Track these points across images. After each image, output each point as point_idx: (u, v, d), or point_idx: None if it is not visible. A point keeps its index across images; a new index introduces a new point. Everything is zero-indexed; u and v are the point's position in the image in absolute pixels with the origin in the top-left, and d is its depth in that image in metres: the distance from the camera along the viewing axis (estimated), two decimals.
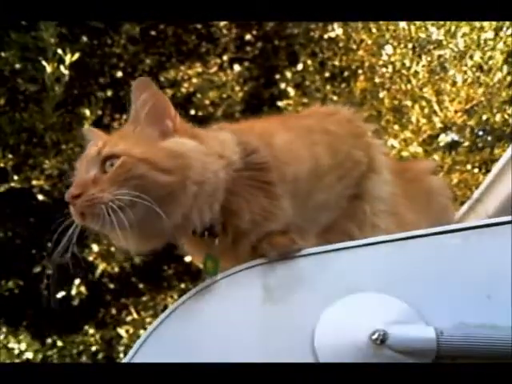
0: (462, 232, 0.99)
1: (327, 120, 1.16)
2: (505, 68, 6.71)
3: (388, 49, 5.41)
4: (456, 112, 6.01)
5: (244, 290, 0.98)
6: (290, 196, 1.04)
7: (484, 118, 7.15)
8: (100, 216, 0.94)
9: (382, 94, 5.55)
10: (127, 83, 7.97)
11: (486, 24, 5.72)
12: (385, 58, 5.44)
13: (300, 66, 5.64)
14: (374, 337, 0.89)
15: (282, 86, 5.75)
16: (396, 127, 5.63)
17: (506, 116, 7.21)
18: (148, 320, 6.98)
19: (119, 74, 7.97)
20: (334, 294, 0.95)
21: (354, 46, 5.57)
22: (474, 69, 5.99)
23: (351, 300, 0.95)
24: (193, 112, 8.18)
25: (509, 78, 7.10)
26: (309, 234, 1.05)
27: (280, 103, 5.55)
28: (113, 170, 0.97)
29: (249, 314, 0.96)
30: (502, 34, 6.19)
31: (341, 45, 5.55)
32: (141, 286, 7.39)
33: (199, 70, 7.97)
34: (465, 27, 5.84)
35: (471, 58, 5.84)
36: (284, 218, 1.03)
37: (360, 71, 5.64)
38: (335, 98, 5.53)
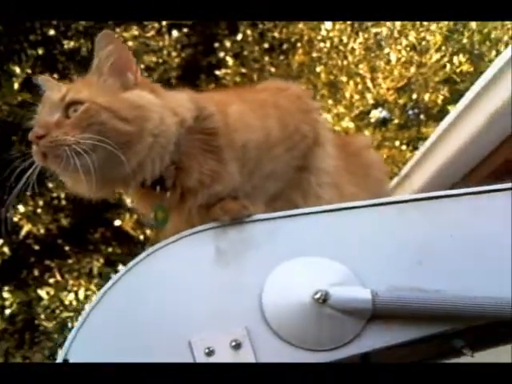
0: (397, 204, 1.09)
1: (279, 95, 1.23)
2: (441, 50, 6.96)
3: (327, 24, 5.50)
4: (388, 90, 6.19)
5: (197, 251, 1.04)
6: (238, 163, 1.11)
7: (414, 96, 7.39)
8: (63, 157, 0.99)
9: (318, 69, 5.64)
10: (59, 42, 7.76)
11: None
12: (324, 33, 5.52)
13: (240, 36, 5.65)
14: (317, 296, 0.97)
15: (221, 54, 5.76)
16: (330, 102, 5.75)
17: (436, 96, 7.47)
18: (71, 282, 6.92)
19: (51, 32, 7.75)
20: (281, 258, 1.03)
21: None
22: (408, 48, 6.18)
23: (296, 263, 1.02)
24: None
25: (445, 60, 7.35)
26: (257, 202, 1.11)
27: (218, 72, 5.57)
28: (77, 115, 1.02)
29: (202, 274, 1.02)
30: None
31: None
32: (66, 248, 7.32)
33: (135, 33, 7.85)
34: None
35: (406, 37, 6.02)
36: (230, 182, 1.10)
37: (299, 44, 5.70)
38: (273, 69, 5.58)
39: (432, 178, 3.30)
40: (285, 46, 5.75)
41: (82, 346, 0.97)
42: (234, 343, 0.98)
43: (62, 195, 6.90)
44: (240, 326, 0.99)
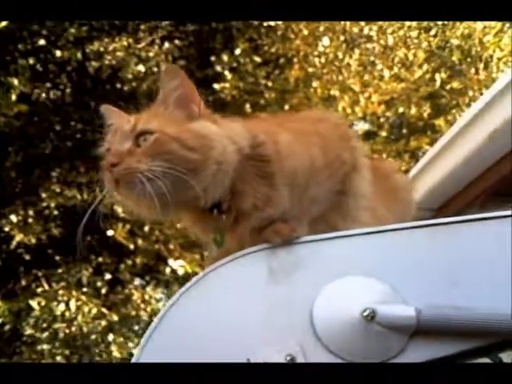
0: (431, 227, 1.17)
1: (320, 124, 1.32)
2: (425, 66, 7.12)
3: (325, 40, 5.62)
4: (379, 104, 6.33)
5: (251, 271, 1.11)
6: (288, 188, 1.18)
7: (401, 110, 7.54)
8: (136, 183, 1.08)
9: (314, 84, 5.76)
10: (50, 52, 7.78)
11: (414, 24, 6.05)
12: (321, 49, 5.64)
13: (238, 51, 5.74)
14: (365, 314, 1.05)
15: (218, 68, 5.85)
16: None
17: (422, 111, 7.64)
18: (61, 292, 6.94)
19: (42, 41, 7.75)
20: (328, 277, 1.10)
21: (292, 36, 5.74)
22: (400, 65, 6.32)
23: (343, 282, 1.10)
24: (118, 86, 8.09)
25: (428, 76, 7.53)
26: (303, 224, 1.19)
27: (216, 85, 5.65)
28: (147, 145, 1.11)
29: (256, 292, 1.09)
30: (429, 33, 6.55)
31: (279, 33, 5.71)
32: (57, 258, 7.34)
33: (125, 43, 7.88)
34: (395, 25, 6.15)
35: (397, 54, 6.17)
36: (281, 206, 1.18)
37: (295, 60, 5.82)
38: (270, 83, 5.69)
39: (430, 191, 3.40)
40: (281, 61, 5.88)
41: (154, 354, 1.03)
42: (288, 357, 1.05)
43: (53, 205, 6.94)
44: (293, 341, 1.06)
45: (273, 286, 1.10)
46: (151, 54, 7.51)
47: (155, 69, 7.48)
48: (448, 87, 7.83)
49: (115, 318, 6.80)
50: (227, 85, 5.57)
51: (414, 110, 7.55)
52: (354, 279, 1.10)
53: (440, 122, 7.14)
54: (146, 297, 8.67)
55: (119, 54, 7.62)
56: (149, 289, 9.23)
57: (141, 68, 7.53)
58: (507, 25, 8.10)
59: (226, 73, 5.65)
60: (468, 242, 1.16)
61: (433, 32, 6.57)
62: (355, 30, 5.98)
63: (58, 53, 7.33)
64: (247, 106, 5.94)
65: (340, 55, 5.78)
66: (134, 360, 1.04)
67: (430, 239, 1.15)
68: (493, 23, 7.81)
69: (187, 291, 1.09)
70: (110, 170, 1.10)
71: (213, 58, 5.84)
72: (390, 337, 1.06)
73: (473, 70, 8.44)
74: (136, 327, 8.59)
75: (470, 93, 8.15)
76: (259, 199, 1.17)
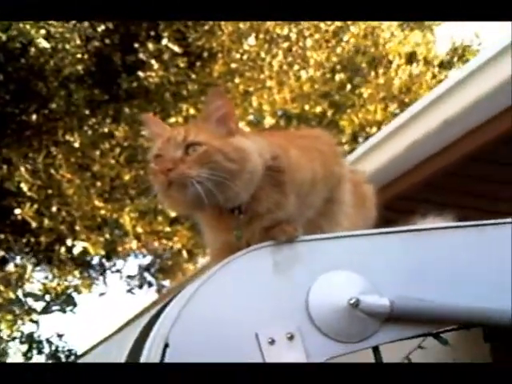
0: (402, 233, 1.44)
1: (317, 142, 1.55)
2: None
3: (251, 40, 5.84)
4: (292, 101, 6.68)
5: (260, 263, 1.33)
6: (294, 195, 1.41)
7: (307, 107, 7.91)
8: (188, 186, 1.29)
9: (237, 80, 5.98)
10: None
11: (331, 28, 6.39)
12: (246, 47, 5.86)
13: (165, 41, 5.82)
14: (351, 302, 1.30)
15: (141, 55, 5.90)
16: (240, 111, 6.13)
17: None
18: None
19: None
20: (321, 270, 1.34)
21: (219, 32, 5.91)
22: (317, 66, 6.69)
23: (334, 275, 1.34)
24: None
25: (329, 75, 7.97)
26: (300, 226, 1.42)
27: (141, 73, 5.72)
28: (197, 154, 1.32)
29: (263, 281, 1.31)
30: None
31: (206, 27, 5.85)
32: None
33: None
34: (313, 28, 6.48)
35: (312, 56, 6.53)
36: (289, 210, 1.41)
37: (219, 55, 6.00)
38: (193, 76, 5.83)
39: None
40: (205, 54, 6.04)
41: (182, 331, 1.22)
42: (288, 335, 1.27)
43: None
44: (292, 322, 1.28)
45: (277, 276, 1.32)
46: (60, 29, 7.37)
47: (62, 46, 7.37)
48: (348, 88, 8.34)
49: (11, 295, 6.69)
50: (153, 74, 5.65)
51: (319, 108, 7.95)
52: (342, 273, 1.34)
53: (343, 122, 7.60)
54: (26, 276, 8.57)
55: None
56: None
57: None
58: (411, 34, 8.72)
59: (153, 62, 5.74)
60: (432, 247, 1.44)
61: (345, 38, 7.02)
62: (278, 31, 6.25)
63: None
64: (167, 95, 6.10)
65: (263, 54, 6.06)
66: (169, 341, 1.21)
67: (402, 243, 1.42)
68: (397, 32, 8.39)
69: (210, 277, 1.29)
70: (166, 173, 1.30)
71: (137, 45, 5.91)
72: (369, 321, 1.32)
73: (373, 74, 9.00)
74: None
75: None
76: (272, 203, 1.39)
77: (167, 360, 1.18)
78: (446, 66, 10.34)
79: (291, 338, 1.27)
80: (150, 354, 1.22)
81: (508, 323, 1.38)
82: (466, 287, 1.40)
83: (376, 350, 1.38)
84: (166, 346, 1.19)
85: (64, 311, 9.15)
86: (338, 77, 7.38)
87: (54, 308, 9.15)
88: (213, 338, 1.24)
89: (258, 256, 1.34)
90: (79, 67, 6.95)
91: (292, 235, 1.35)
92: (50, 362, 8.88)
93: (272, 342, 1.26)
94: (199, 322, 1.25)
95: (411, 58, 8.97)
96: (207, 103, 1.44)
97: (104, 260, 9.46)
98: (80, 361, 2.68)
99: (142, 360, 1.23)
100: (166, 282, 10.28)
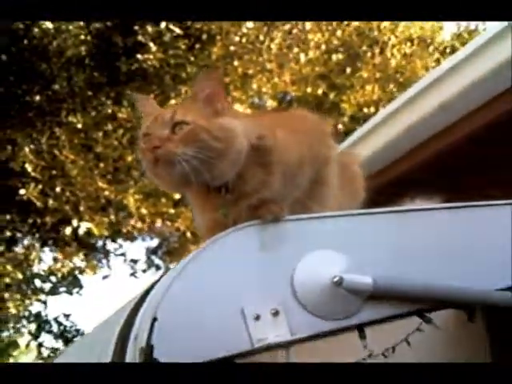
0: (388, 214, 1.48)
1: (305, 123, 1.59)
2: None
3: (249, 24, 5.85)
4: (293, 83, 6.70)
5: (246, 241, 1.37)
6: (280, 175, 1.45)
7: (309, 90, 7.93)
8: (174, 163, 1.34)
9: (236, 63, 5.99)
10: None
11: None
12: (244, 30, 5.87)
13: (163, 24, 5.83)
14: (335, 280, 1.34)
15: (140, 37, 5.91)
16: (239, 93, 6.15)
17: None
18: None
19: None
20: (306, 249, 1.38)
21: None
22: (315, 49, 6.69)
23: (317, 254, 1.38)
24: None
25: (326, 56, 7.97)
26: (286, 205, 1.45)
27: (140, 56, 5.74)
28: (184, 133, 1.36)
29: (249, 259, 1.35)
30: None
31: None
32: None
33: None
34: None
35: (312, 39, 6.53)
36: (275, 189, 1.44)
37: (218, 37, 6.01)
38: (192, 58, 5.84)
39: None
40: (204, 37, 6.04)
41: (170, 306, 1.26)
42: (273, 311, 1.31)
43: None
44: (277, 299, 1.32)
45: (263, 254, 1.36)
46: None
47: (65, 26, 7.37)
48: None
49: (19, 275, 6.78)
50: (151, 56, 5.67)
51: (320, 90, 7.96)
52: (326, 252, 1.38)
53: (344, 104, 7.62)
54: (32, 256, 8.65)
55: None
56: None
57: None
58: None
59: (151, 44, 5.75)
60: (414, 228, 1.48)
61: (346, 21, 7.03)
62: None
63: None
64: (167, 78, 6.13)
65: (261, 37, 6.07)
66: (158, 315, 1.25)
67: (387, 224, 1.46)
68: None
69: (197, 255, 1.33)
70: (153, 151, 1.35)
71: (136, 27, 5.92)
72: (351, 299, 1.36)
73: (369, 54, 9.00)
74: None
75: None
76: (258, 182, 1.43)
77: (155, 333, 1.23)
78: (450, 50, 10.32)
79: (276, 313, 1.31)
80: (139, 328, 1.26)
81: (491, 304, 1.43)
82: (449, 267, 1.45)
83: (360, 328, 1.42)
84: (155, 319, 1.24)
85: (70, 293, 9.29)
86: (336, 57, 7.42)
87: (61, 289, 9.29)
88: (199, 313, 1.28)
89: (245, 234, 1.37)
90: (82, 48, 6.96)
91: (278, 215, 1.39)
92: (57, 345, 9.04)
93: (257, 317, 1.30)
94: (186, 297, 1.29)
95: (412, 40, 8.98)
96: (196, 84, 1.48)
97: (108, 242, 9.55)
98: (80, 339, 2.72)
99: (133, 334, 1.28)
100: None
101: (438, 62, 9.29)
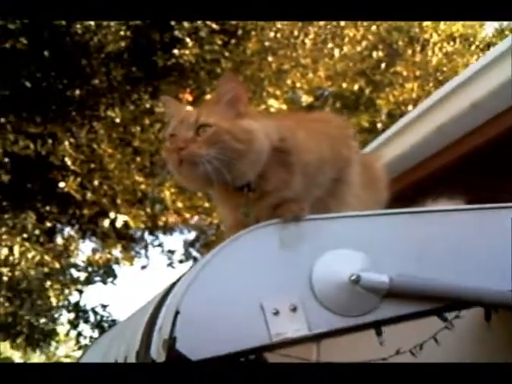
0: (406, 214, 1.52)
1: (328, 125, 1.64)
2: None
3: None
4: (327, 78, 6.72)
5: (267, 239, 1.42)
6: (301, 175, 1.50)
7: (344, 85, 7.92)
8: (198, 164, 1.40)
9: (270, 58, 6.03)
10: None
11: None
12: (279, 25, 5.91)
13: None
14: (352, 278, 1.38)
15: (177, 33, 6.00)
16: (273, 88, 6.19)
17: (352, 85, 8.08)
18: (4, 237, 7.03)
19: None
20: (325, 248, 1.43)
21: None
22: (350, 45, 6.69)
23: (336, 253, 1.43)
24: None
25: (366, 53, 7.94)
26: (307, 205, 1.51)
27: (176, 51, 5.82)
28: (207, 135, 1.43)
29: (270, 256, 1.41)
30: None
31: None
32: (4, 203, 7.39)
33: None
34: None
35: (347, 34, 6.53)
36: (295, 189, 1.50)
37: (253, 33, 6.06)
38: (227, 53, 5.90)
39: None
40: (239, 32, 6.11)
41: (192, 300, 1.32)
42: (292, 307, 1.37)
43: (1, 151, 6.96)
44: (296, 295, 1.38)
45: (283, 252, 1.42)
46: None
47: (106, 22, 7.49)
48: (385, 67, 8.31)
49: (57, 265, 6.96)
50: (187, 51, 5.76)
51: (356, 86, 7.95)
52: (345, 251, 1.43)
53: (381, 101, 7.60)
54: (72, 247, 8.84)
55: None
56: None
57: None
58: None
59: (188, 40, 5.84)
60: (434, 228, 1.52)
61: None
62: None
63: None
64: (202, 73, 6.22)
65: (296, 33, 6.11)
66: (180, 309, 1.31)
67: (405, 224, 1.50)
68: None
69: (219, 251, 1.39)
70: (178, 152, 1.42)
71: (173, 23, 6.02)
72: (368, 297, 1.40)
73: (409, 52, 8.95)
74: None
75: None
76: (279, 182, 1.48)
77: (178, 326, 1.29)
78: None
79: (294, 309, 1.37)
80: (163, 320, 1.33)
81: (507, 304, 1.46)
82: (466, 268, 1.48)
83: (377, 325, 1.47)
84: (177, 313, 1.30)
85: (105, 282, 9.48)
86: (376, 54, 7.42)
87: (96, 279, 9.48)
88: (220, 307, 1.34)
89: (265, 232, 1.43)
90: (122, 44, 7.08)
91: (298, 214, 1.44)
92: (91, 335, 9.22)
93: (276, 312, 1.35)
94: (208, 292, 1.35)
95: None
96: (219, 87, 1.54)
97: (146, 234, 9.70)
98: (112, 330, 2.80)
99: (157, 326, 1.34)
100: None
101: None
